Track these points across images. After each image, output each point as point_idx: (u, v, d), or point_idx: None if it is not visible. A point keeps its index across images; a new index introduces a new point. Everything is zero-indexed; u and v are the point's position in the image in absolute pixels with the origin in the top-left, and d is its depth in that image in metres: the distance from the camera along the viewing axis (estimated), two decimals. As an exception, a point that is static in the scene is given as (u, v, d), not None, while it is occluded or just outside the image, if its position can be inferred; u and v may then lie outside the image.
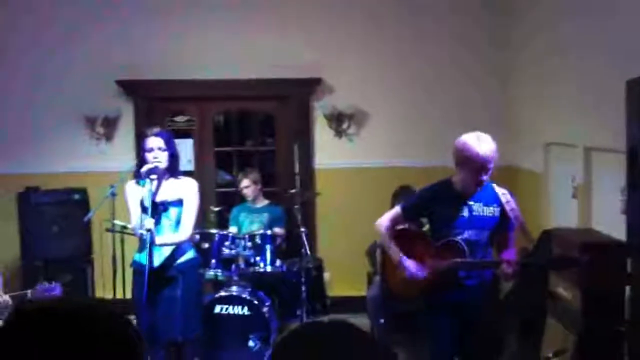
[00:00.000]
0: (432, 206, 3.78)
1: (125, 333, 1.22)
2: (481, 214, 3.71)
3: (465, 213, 3.70)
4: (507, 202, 3.69)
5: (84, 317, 1.20)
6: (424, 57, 6.73)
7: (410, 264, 3.74)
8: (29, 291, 3.91)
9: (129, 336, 1.22)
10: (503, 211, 3.70)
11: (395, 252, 3.80)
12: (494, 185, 3.73)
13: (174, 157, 4.25)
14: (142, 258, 4.10)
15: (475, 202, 3.71)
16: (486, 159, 3.56)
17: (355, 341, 1.24)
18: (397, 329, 5.46)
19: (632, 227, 3.25)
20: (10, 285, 5.92)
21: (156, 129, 4.32)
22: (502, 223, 3.73)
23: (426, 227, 4.09)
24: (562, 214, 5.22)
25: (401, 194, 5.56)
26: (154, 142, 4.19)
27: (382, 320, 5.35)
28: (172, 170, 4.26)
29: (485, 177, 3.63)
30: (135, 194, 4.19)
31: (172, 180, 4.26)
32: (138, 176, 4.22)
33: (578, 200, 4.86)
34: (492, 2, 6.65)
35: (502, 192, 3.72)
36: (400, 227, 3.94)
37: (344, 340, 1.22)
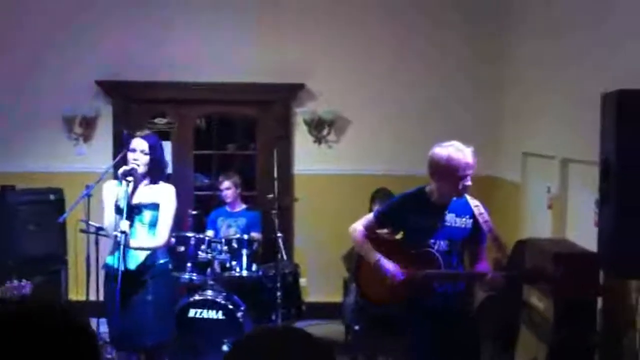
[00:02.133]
0: (405, 215, 3.78)
1: (81, 337, 1.20)
2: (454, 224, 3.72)
3: (438, 223, 3.70)
4: (480, 214, 3.70)
5: (39, 320, 1.18)
6: (406, 67, 6.75)
7: (389, 265, 3.72)
8: (-3, 288, 3.85)
9: (84, 341, 1.20)
10: (475, 223, 3.71)
11: (372, 254, 3.78)
12: (467, 196, 3.74)
13: (156, 163, 4.20)
14: (114, 261, 4.06)
15: (449, 212, 3.72)
16: (470, 166, 3.58)
17: (309, 351, 1.23)
18: (374, 335, 5.46)
19: (603, 239, 3.27)
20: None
21: (145, 132, 4.30)
22: (474, 234, 3.74)
23: (400, 235, 4.08)
24: (537, 225, 5.26)
25: (378, 197, 5.57)
26: (139, 143, 4.15)
27: (357, 327, 5.36)
28: (154, 175, 4.21)
29: (463, 188, 3.65)
30: (112, 194, 4.15)
31: (150, 184, 4.22)
32: (116, 176, 4.19)
33: (553, 211, 4.90)
34: (477, 14, 6.68)
35: (475, 204, 3.74)
36: (375, 233, 3.93)
37: (296, 349, 1.21)
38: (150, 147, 4.15)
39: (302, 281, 6.03)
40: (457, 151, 3.59)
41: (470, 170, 3.60)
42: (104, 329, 4.47)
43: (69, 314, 1.24)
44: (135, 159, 4.12)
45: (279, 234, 5.43)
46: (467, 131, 5.72)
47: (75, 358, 1.18)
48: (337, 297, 6.16)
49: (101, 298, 4.38)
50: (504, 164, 6.23)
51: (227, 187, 6.00)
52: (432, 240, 3.69)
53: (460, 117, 6.63)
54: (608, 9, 4.14)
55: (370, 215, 3.93)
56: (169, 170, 6.64)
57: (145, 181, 4.20)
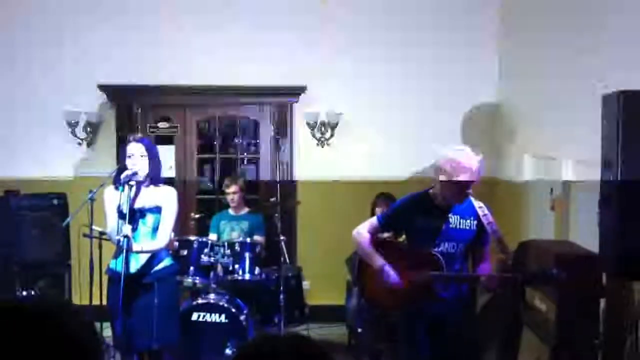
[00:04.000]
0: (409, 217, 3.78)
1: (83, 333, 1.20)
2: (458, 227, 3.72)
3: (443, 226, 3.71)
4: (484, 215, 3.70)
5: (43, 316, 1.19)
6: (409, 69, 6.75)
7: (392, 273, 3.73)
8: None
9: (87, 337, 1.21)
10: (480, 224, 3.71)
11: (376, 259, 3.78)
12: (472, 198, 3.75)
13: (154, 165, 4.23)
14: (118, 264, 4.07)
15: (453, 214, 3.72)
16: (477, 174, 3.59)
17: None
18: (377, 338, 5.46)
19: (605, 240, 3.27)
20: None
21: (138, 136, 4.31)
22: (479, 236, 3.75)
23: (402, 238, 4.09)
24: (540, 226, 5.26)
25: (380, 201, 5.58)
26: (135, 148, 4.17)
27: (360, 330, 5.36)
28: (152, 177, 4.24)
29: (469, 192, 3.66)
30: (113, 199, 4.17)
31: (151, 187, 4.24)
32: (117, 182, 4.19)
33: (556, 212, 4.90)
34: (479, 15, 6.69)
35: (479, 206, 3.74)
36: (378, 237, 3.94)
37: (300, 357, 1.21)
38: (147, 150, 4.18)
39: (305, 284, 6.03)
40: (466, 158, 3.59)
41: (474, 179, 3.61)
42: (107, 332, 4.48)
43: (78, 313, 1.25)
44: (134, 164, 4.14)
45: (281, 237, 5.43)
46: (469, 133, 5.73)
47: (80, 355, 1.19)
48: (340, 300, 6.16)
49: (104, 302, 4.39)
50: (506, 166, 6.22)
51: (234, 191, 6.00)
52: (436, 243, 3.69)
53: (463, 119, 6.62)
54: (610, 10, 4.14)
55: (374, 219, 3.94)
56: (173, 173, 6.71)
57: (147, 183, 4.22)
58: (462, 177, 3.57)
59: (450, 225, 3.71)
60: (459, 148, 3.64)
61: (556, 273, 3.57)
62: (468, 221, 3.73)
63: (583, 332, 3.70)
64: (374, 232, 3.87)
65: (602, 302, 3.76)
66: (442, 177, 3.65)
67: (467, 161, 3.58)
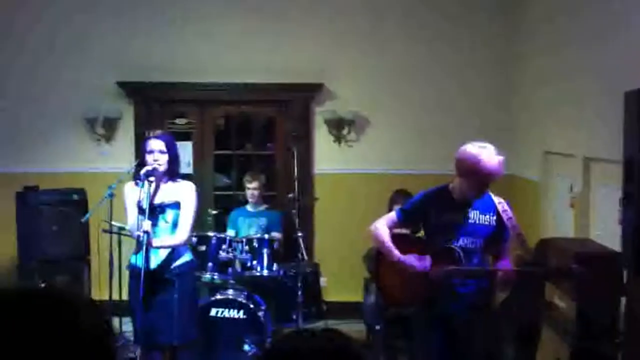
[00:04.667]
0: (428, 212, 3.77)
1: (96, 322, 1.21)
2: (477, 222, 3.71)
3: (462, 220, 3.69)
4: (504, 211, 3.69)
5: (56, 303, 1.19)
6: (425, 66, 6.74)
7: (411, 259, 3.71)
8: None
9: (100, 325, 1.21)
10: (499, 220, 3.70)
11: (395, 253, 3.77)
12: (491, 194, 3.73)
13: (173, 160, 4.25)
14: (138, 260, 4.09)
15: (472, 210, 3.71)
16: (497, 173, 3.57)
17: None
18: (395, 335, 5.46)
19: (626, 238, 3.25)
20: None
21: (158, 132, 4.32)
22: (498, 232, 3.73)
23: (421, 233, 4.07)
24: (559, 224, 5.23)
25: (397, 198, 5.57)
26: (155, 144, 4.19)
27: (378, 327, 5.35)
28: (172, 173, 4.26)
29: (482, 191, 3.65)
30: (133, 195, 4.19)
31: (170, 183, 4.26)
32: (137, 178, 4.21)
33: (575, 210, 4.86)
34: (496, 15, 6.66)
35: (498, 201, 3.73)
36: (395, 232, 3.93)
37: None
38: (167, 146, 4.20)
39: (323, 281, 6.03)
40: (489, 155, 3.57)
41: (495, 178, 3.60)
42: (127, 327, 4.51)
43: (89, 302, 1.25)
44: (155, 159, 4.15)
45: (299, 234, 5.44)
46: (487, 130, 5.70)
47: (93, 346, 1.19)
48: (357, 297, 6.16)
49: (124, 297, 4.42)
50: (524, 163, 6.19)
51: (256, 187, 6.02)
52: (455, 238, 3.68)
53: (480, 116, 6.60)
54: (631, 7, 4.10)
55: (392, 214, 3.93)
56: (190, 170, 6.73)
57: (166, 179, 4.24)
58: (483, 174, 3.56)
59: (470, 221, 3.69)
60: (482, 145, 3.62)
61: (576, 268, 3.55)
62: (487, 216, 3.72)
63: (603, 330, 3.68)
64: (392, 227, 3.85)
65: (623, 301, 3.74)
66: (462, 173, 3.64)
67: (489, 158, 3.56)
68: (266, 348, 1.15)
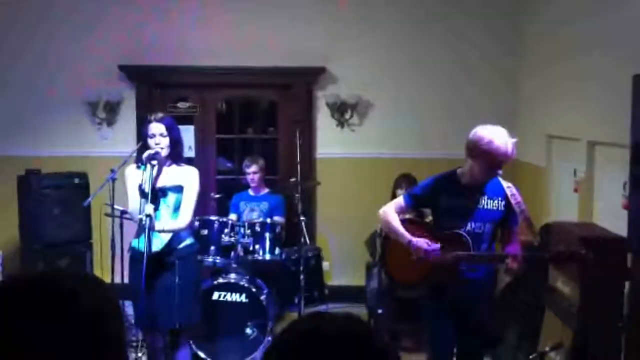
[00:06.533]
0: (436, 197, 3.75)
1: (98, 304, 1.20)
2: (486, 207, 3.69)
3: (470, 205, 3.67)
4: (512, 195, 3.66)
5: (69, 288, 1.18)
6: (428, 51, 6.69)
7: (421, 242, 3.68)
8: None
9: (102, 307, 1.20)
10: (508, 205, 3.68)
11: (405, 236, 3.75)
12: (500, 178, 3.70)
13: (176, 144, 4.23)
14: (140, 244, 4.08)
15: (481, 195, 3.68)
16: (509, 155, 3.55)
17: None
18: (398, 318, 5.46)
19: (633, 223, 3.23)
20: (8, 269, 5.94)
21: (159, 115, 4.29)
22: (507, 217, 3.71)
23: (429, 218, 4.05)
24: (564, 208, 5.21)
25: (401, 182, 5.55)
26: (156, 128, 4.17)
27: (380, 311, 5.35)
28: (174, 156, 4.24)
29: (499, 172, 3.61)
30: (134, 178, 4.16)
31: (173, 166, 4.24)
32: (139, 161, 4.19)
33: (579, 194, 4.84)
34: (500, 0, 6.61)
35: (507, 186, 3.70)
36: (403, 216, 3.92)
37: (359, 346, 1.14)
38: (168, 129, 4.17)
39: (325, 265, 6.03)
40: (501, 138, 3.54)
41: (507, 160, 3.57)
42: (129, 311, 4.50)
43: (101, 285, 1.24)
44: (157, 143, 4.13)
45: (301, 218, 5.42)
46: (489, 114, 5.66)
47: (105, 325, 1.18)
48: (359, 281, 6.16)
49: (126, 281, 4.41)
50: (528, 147, 6.14)
51: (255, 171, 5.99)
52: (462, 222, 3.66)
53: (483, 99, 6.57)
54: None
55: (400, 199, 3.91)
56: (192, 154, 6.71)
57: (168, 162, 4.22)
58: (495, 156, 3.53)
59: (479, 206, 3.67)
60: (494, 128, 3.59)
61: (587, 253, 3.52)
62: (496, 201, 3.69)
63: (607, 314, 3.67)
64: (400, 212, 3.84)
65: (627, 285, 3.73)
66: (474, 155, 3.60)
67: (502, 140, 3.53)
68: (284, 327, 1.10)
